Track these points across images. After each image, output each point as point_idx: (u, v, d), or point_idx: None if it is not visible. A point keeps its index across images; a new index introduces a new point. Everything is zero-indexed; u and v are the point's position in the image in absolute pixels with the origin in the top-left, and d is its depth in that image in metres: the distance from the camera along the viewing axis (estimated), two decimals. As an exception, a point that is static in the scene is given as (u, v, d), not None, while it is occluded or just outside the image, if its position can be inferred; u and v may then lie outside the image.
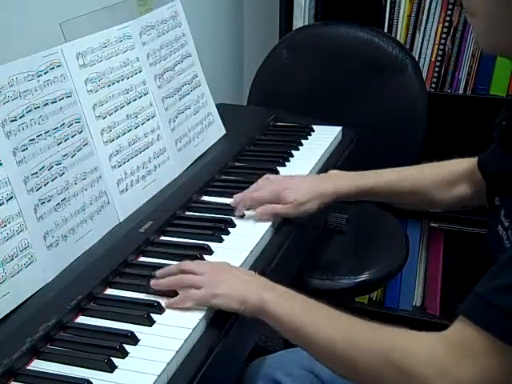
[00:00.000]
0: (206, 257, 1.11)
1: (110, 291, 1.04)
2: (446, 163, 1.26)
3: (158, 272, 1.03)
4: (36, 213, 1.02)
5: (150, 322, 0.95)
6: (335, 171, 1.33)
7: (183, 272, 1.01)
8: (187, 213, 1.28)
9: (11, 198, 0.98)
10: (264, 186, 1.27)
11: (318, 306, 0.93)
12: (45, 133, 1.07)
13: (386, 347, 0.83)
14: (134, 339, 0.91)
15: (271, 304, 0.93)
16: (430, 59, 2.05)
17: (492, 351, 0.76)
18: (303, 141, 1.61)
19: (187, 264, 1.03)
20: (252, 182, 1.37)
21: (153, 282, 1.01)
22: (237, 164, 1.50)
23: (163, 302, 0.99)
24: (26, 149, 1.03)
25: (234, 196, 1.27)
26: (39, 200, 1.03)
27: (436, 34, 2.03)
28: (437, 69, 2.06)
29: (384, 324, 0.87)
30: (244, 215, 1.25)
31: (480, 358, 0.77)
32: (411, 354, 0.80)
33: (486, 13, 0.86)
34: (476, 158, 1.16)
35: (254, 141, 1.61)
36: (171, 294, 1.00)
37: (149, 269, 1.07)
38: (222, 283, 0.97)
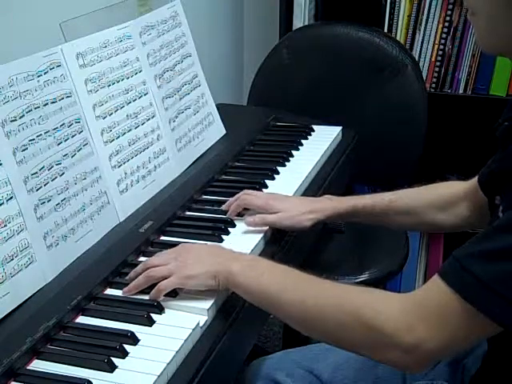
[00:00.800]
0: (205, 257, 1.11)
1: (109, 291, 1.04)
2: (444, 184, 1.24)
3: (128, 277, 1.03)
4: (36, 213, 1.02)
5: (150, 322, 0.95)
6: (329, 195, 1.29)
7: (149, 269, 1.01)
8: (187, 213, 1.28)
9: (11, 198, 0.98)
10: (257, 194, 1.26)
11: (287, 270, 0.94)
12: (45, 133, 1.07)
13: (356, 306, 0.84)
14: (134, 339, 0.91)
15: (239, 274, 0.94)
16: (430, 59, 2.05)
17: (462, 316, 0.78)
18: (303, 141, 1.61)
19: (151, 261, 1.03)
20: (252, 182, 1.37)
21: (124, 289, 1.01)
22: (237, 164, 1.50)
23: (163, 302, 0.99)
24: (26, 149, 1.03)
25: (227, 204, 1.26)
26: (39, 200, 1.03)
27: (436, 33, 2.04)
28: (437, 69, 2.06)
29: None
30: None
31: (449, 321, 0.79)
32: (381, 312, 0.82)
33: (486, 12, 0.86)
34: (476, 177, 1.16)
35: (254, 141, 1.61)
36: None
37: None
38: (190, 265, 0.98)
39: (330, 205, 1.23)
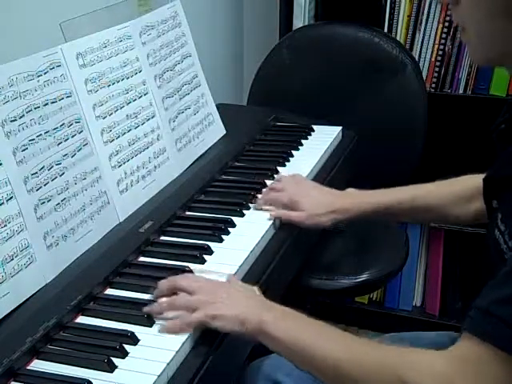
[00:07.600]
0: (205, 257, 1.11)
1: (109, 291, 1.04)
2: (461, 179, 1.25)
3: (155, 294, 1.00)
4: (36, 213, 1.02)
5: (150, 322, 0.95)
6: (352, 189, 1.32)
7: (175, 289, 0.98)
8: (187, 213, 1.28)
9: (11, 198, 0.98)
10: (283, 189, 1.30)
11: (320, 325, 0.90)
12: (45, 133, 1.07)
13: (394, 366, 0.81)
14: (134, 339, 0.91)
15: (271, 324, 0.90)
16: (430, 59, 2.05)
17: (498, 364, 0.75)
18: (303, 141, 1.61)
19: (179, 281, 0.99)
20: (252, 182, 1.38)
21: (145, 308, 0.96)
22: (237, 164, 1.50)
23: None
24: (26, 149, 1.03)
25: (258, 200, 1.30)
26: (39, 200, 1.03)
27: (436, 34, 2.03)
28: (437, 69, 2.05)
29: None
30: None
31: (486, 372, 0.76)
32: (421, 372, 0.79)
33: (473, 26, 0.86)
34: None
35: (253, 141, 1.61)
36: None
37: (149, 269, 1.07)
38: (219, 303, 0.94)
39: (354, 205, 1.28)
